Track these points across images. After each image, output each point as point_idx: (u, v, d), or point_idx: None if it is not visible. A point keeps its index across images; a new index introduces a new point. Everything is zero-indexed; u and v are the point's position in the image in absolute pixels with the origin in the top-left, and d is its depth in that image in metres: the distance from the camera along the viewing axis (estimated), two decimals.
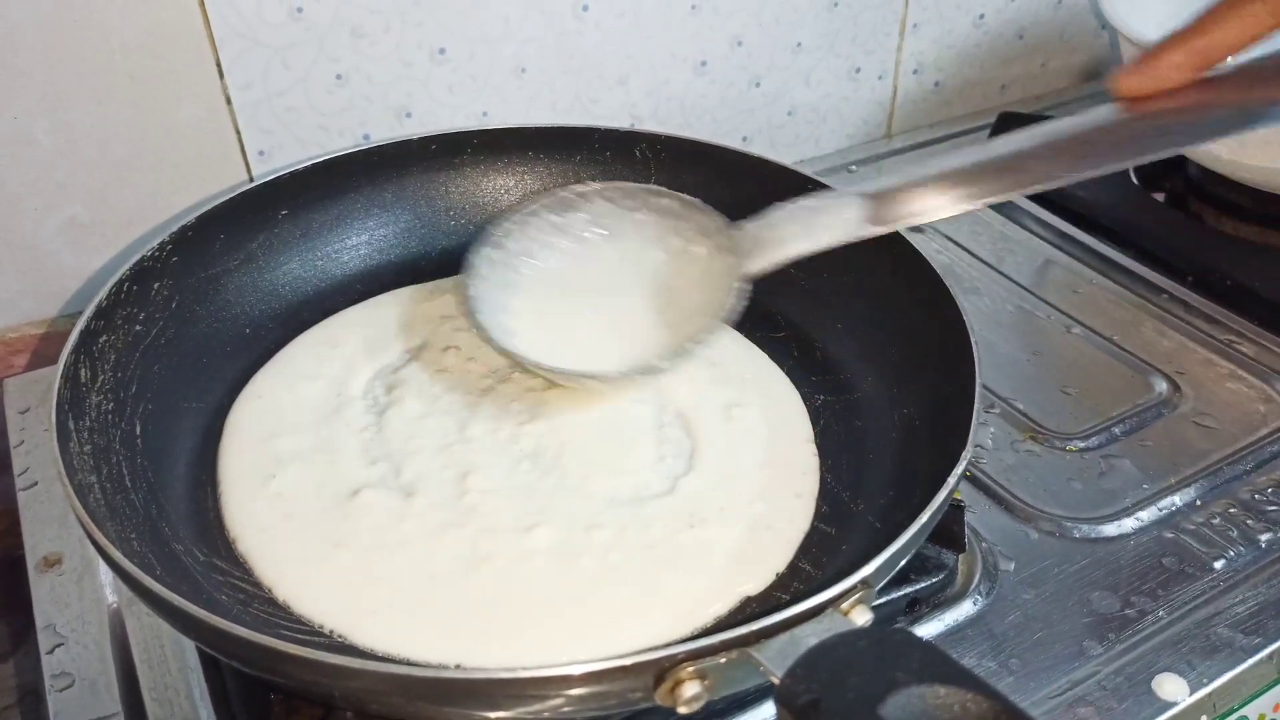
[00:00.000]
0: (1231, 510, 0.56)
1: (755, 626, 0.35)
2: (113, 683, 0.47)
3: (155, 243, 0.55)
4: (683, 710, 0.35)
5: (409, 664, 0.39)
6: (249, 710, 0.45)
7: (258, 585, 0.46)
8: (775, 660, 0.34)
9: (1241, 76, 0.43)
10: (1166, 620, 0.50)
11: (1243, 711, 0.50)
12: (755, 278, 0.52)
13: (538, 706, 0.36)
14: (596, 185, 0.58)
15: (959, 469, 0.42)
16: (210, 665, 0.47)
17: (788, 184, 0.63)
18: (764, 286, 0.63)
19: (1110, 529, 0.55)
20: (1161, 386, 0.65)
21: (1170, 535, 0.55)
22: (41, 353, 0.70)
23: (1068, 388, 0.65)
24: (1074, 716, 0.46)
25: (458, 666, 0.41)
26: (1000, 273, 0.76)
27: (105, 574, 0.52)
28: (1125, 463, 0.60)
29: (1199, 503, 0.57)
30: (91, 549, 0.53)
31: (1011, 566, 0.53)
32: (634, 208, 0.57)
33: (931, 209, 0.47)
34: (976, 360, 0.48)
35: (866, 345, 0.58)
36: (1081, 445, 0.61)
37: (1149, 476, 0.58)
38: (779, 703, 0.31)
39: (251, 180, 0.70)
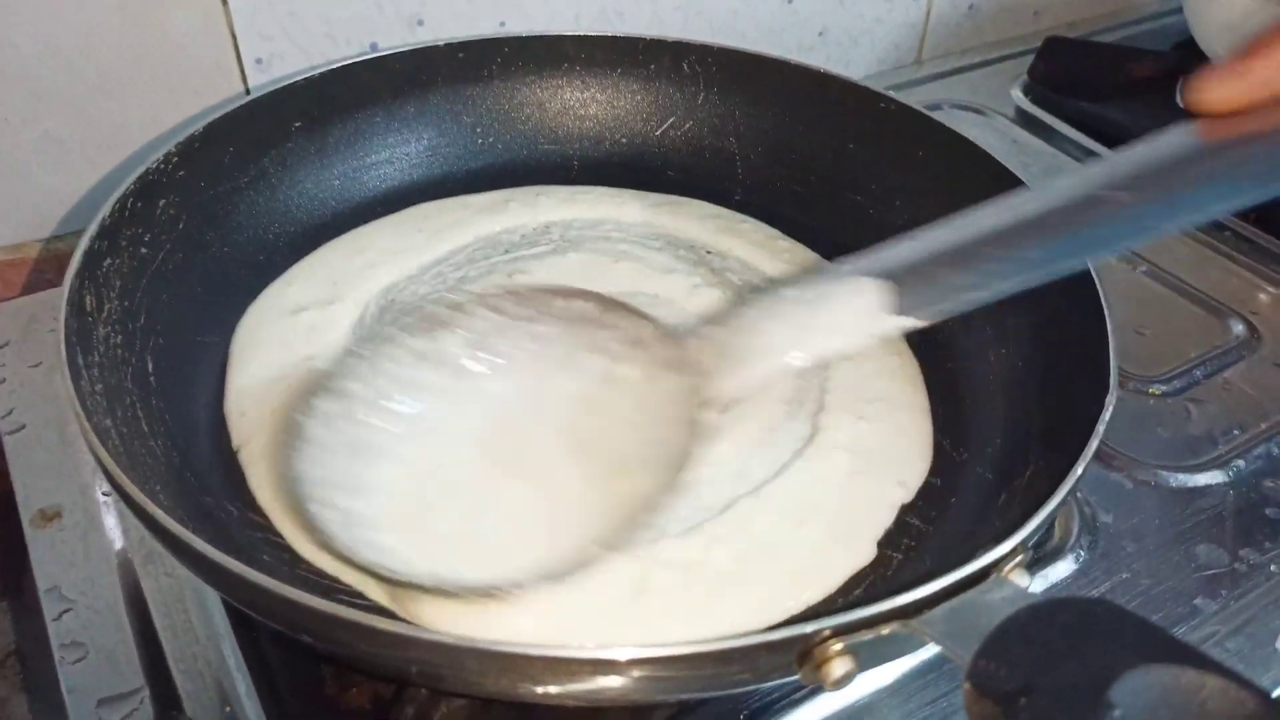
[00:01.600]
0: None
1: (916, 596, 0.31)
2: (132, 653, 0.41)
3: (160, 154, 0.48)
4: (830, 690, 0.31)
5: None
6: (296, 684, 0.40)
7: None
8: (953, 637, 0.29)
9: None
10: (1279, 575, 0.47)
11: None
12: (725, 405, 0.39)
13: (662, 684, 0.31)
14: (475, 291, 0.42)
15: (1106, 415, 0.38)
16: (244, 632, 0.42)
17: (855, 101, 0.58)
18: (828, 216, 0.59)
19: (1205, 478, 0.52)
20: (1238, 328, 0.61)
21: (1270, 484, 0.52)
22: (13, 282, 0.63)
23: (1141, 328, 0.61)
24: None
25: None
26: None
27: (114, 529, 0.46)
28: (1211, 407, 0.56)
29: None
30: (97, 501, 0.47)
31: (1110, 518, 0.49)
32: (530, 318, 0.42)
33: (979, 286, 0.35)
34: (1103, 295, 0.43)
35: None
36: (1164, 389, 0.57)
37: (1238, 422, 0.55)
38: (976, 688, 0.27)
39: (249, 93, 0.63)
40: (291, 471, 0.37)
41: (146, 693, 0.40)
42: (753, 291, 0.38)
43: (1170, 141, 0.35)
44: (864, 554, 0.41)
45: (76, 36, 0.56)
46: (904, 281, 0.36)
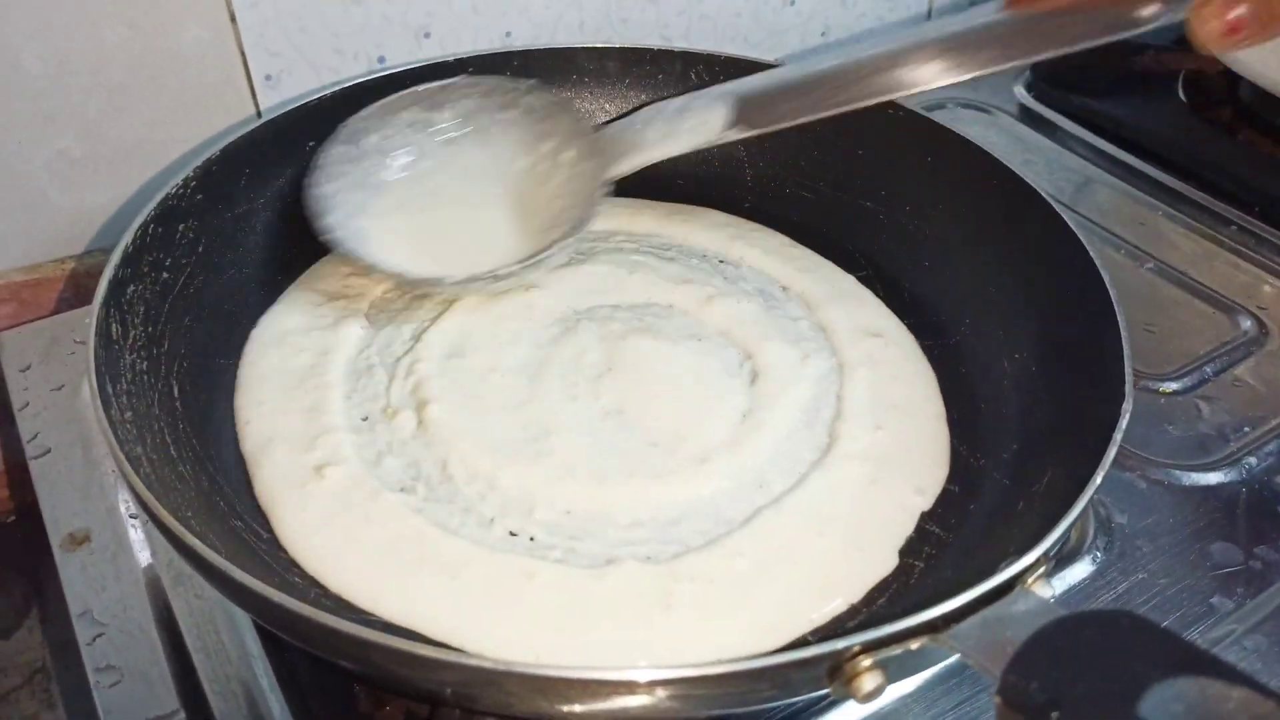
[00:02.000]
0: None
1: (943, 610, 0.31)
2: (166, 676, 0.42)
3: (179, 179, 0.49)
4: (861, 703, 0.31)
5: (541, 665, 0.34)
6: (329, 703, 0.40)
7: None
8: (982, 651, 0.30)
9: None
10: None
11: None
12: (613, 182, 0.51)
13: (693, 702, 0.32)
14: (463, 80, 0.54)
15: (1123, 422, 0.38)
16: (275, 651, 0.42)
17: (868, 111, 0.58)
18: (838, 222, 0.59)
19: (1217, 476, 0.52)
20: (1246, 324, 0.62)
21: None
22: (30, 302, 0.63)
23: (1150, 326, 0.62)
24: None
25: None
26: (1063, 204, 0.71)
27: (142, 550, 0.47)
28: (1221, 405, 0.56)
29: None
30: (124, 523, 0.48)
31: (1125, 519, 0.50)
32: (503, 105, 0.54)
33: (804, 110, 0.46)
34: (1115, 300, 0.44)
35: (961, 284, 0.53)
36: (1174, 387, 0.57)
37: (1249, 419, 0.55)
38: (1007, 703, 0.27)
39: (258, 109, 0.64)
40: (315, 192, 0.50)
41: (183, 715, 0.40)
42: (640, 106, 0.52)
43: (976, 15, 0.44)
44: (886, 563, 0.42)
45: (86, 56, 0.57)
46: (745, 103, 0.48)
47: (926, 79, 0.43)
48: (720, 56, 0.61)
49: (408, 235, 0.51)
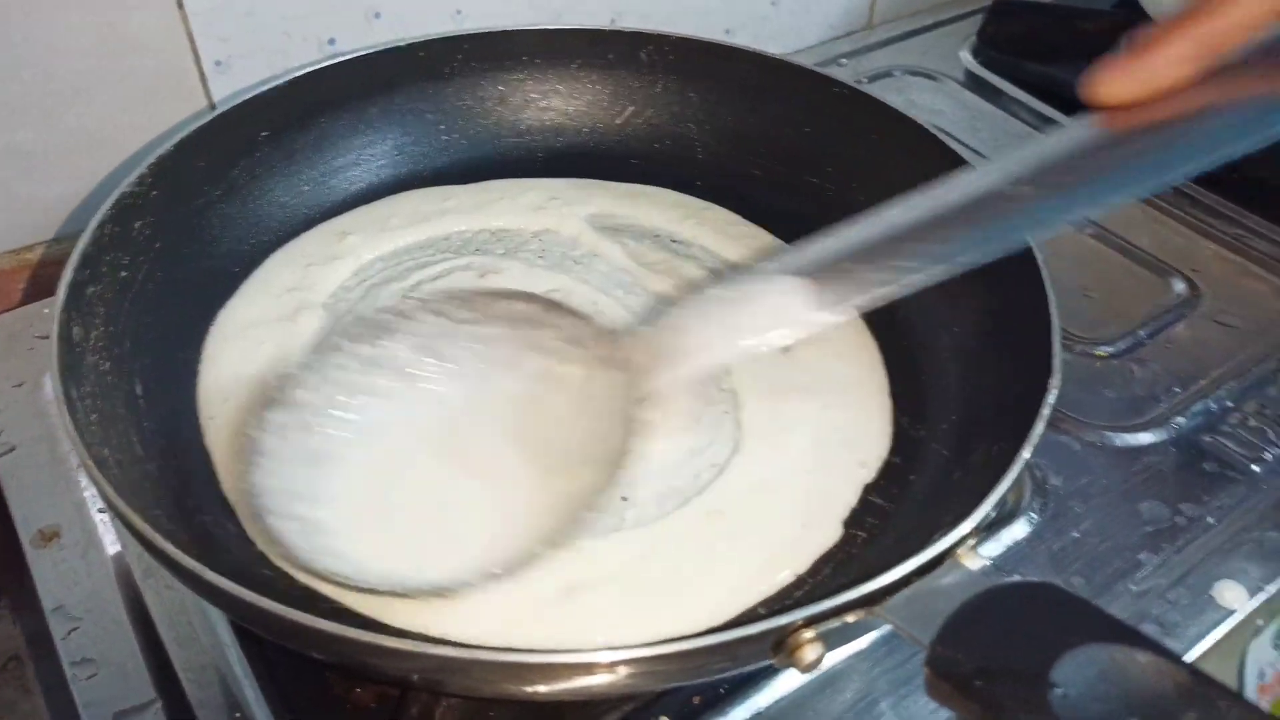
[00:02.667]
0: (1264, 410, 0.56)
1: (877, 585, 0.33)
2: (142, 666, 0.43)
3: (134, 176, 0.49)
4: (804, 672, 0.34)
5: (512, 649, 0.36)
6: (303, 687, 0.42)
7: None
8: (913, 622, 0.32)
9: (1257, 64, 0.34)
10: (1216, 527, 0.50)
11: None
12: (654, 399, 0.40)
13: (650, 677, 0.34)
14: (417, 299, 0.43)
15: (1050, 397, 0.40)
16: (248, 640, 0.44)
17: (808, 86, 0.60)
18: (788, 199, 0.60)
19: (1148, 436, 0.55)
20: (1179, 287, 0.64)
21: (1208, 439, 0.55)
22: None
23: (1088, 291, 0.64)
24: None
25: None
26: None
27: (112, 544, 0.48)
28: (1154, 366, 0.59)
29: (1230, 404, 0.57)
30: (93, 518, 0.49)
31: (1060, 481, 0.52)
32: (473, 320, 0.43)
33: (890, 281, 0.37)
34: (1044, 272, 0.46)
35: None
36: (1110, 350, 0.60)
37: (1178, 380, 0.58)
38: (936, 673, 0.30)
39: (209, 95, 0.64)
40: (249, 485, 0.39)
41: (159, 704, 0.42)
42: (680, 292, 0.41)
43: (1071, 134, 0.36)
44: (831, 534, 0.44)
45: (35, 48, 0.57)
46: (820, 278, 0.38)
47: (1041, 220, 0.36)
48: (670, 36, 0.62)
49: (383, 522, 0.40)
